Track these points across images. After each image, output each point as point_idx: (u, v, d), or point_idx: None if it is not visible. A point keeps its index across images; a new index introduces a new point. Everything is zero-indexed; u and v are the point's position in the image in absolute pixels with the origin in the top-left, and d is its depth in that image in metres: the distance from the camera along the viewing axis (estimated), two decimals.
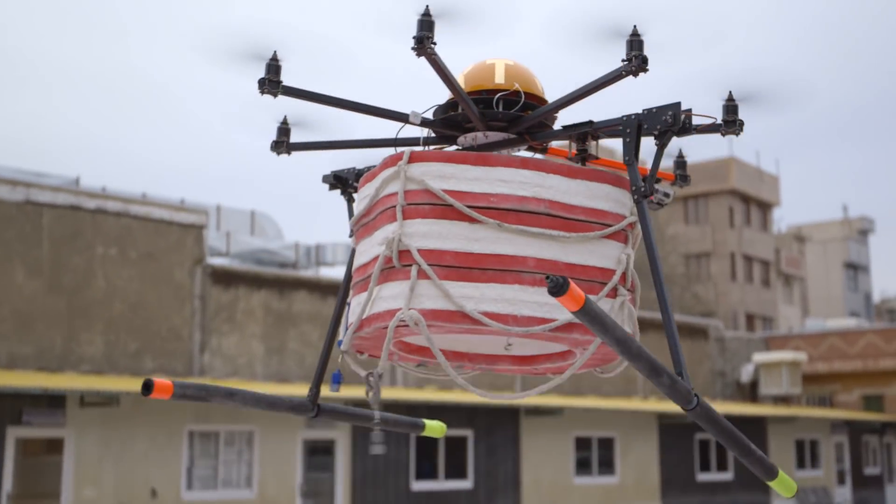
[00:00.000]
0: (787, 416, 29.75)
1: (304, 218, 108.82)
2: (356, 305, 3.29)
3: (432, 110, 3.48)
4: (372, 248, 3.25)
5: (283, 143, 3.71)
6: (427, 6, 3.07)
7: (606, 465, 25.21)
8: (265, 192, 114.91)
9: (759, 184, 56.00)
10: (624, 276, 3.24)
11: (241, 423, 18.55)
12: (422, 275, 3.03)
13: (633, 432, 25.75)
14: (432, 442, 21.43)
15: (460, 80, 3.37)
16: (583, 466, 24.59)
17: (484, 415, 22.25)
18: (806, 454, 31.60)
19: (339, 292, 3.66)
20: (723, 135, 3.36)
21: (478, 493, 21.86)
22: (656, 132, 3.17)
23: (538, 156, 3.46)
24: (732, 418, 26.91)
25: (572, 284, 2.53)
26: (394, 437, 20.57)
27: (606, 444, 25.31)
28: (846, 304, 67.65)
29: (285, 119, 3.71)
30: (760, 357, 36.65)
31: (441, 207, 3.06)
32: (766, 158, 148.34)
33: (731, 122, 3.34)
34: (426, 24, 3.07)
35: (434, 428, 4.14)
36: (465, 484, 21.76)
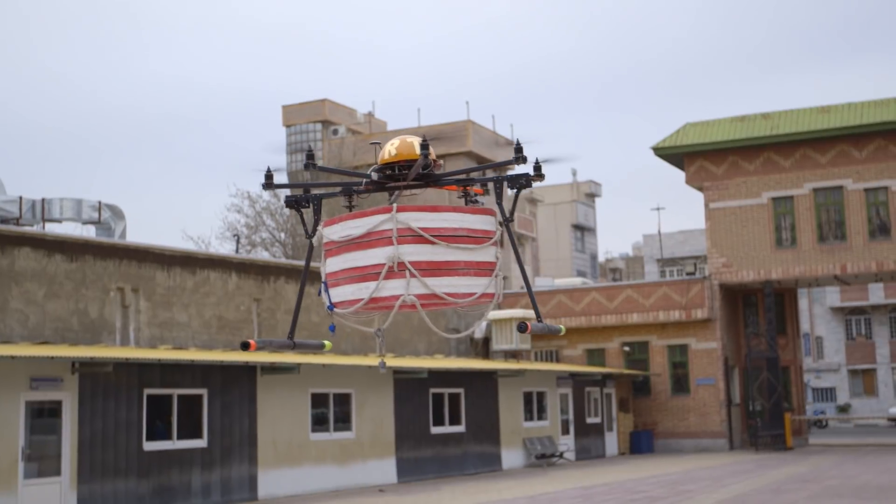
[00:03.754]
0: (516, 369, 31.01)
1: (28, 171, 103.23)
2: (355, 289, 5.39)
3: (371, 170, 5.77)
4: (373, 257, 5.32)
5: (270, 183, 5.91)
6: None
7: (343, 421, 25.50)
8: None
9: (495, 148, 57.69)
10: (496, 264, 5.58)
11: None
12: (411, 276, 5.25)
13: (369, 388, 26.15)
14: (165, 401, 21.01)
15: (393, 148, 5.70)
16: (319, 423, 24.78)
17: (219, 373, 22.01)
18: (534, 406, 33.08)
19: (305, 262, 5.90)
20: (536, 180, 5.66)
21: (213, 452, 21.64)
22: (514, 186, 5.69)
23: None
24: (465, 372, 27.81)
25: (528, 325, 5.51)
26: (124, 398, 20.03)
27: (343, 400, 25.60)
28: (574, 263, 70.94)
29: (269, 169, 5.93)
30: (492, 314, 38.00)
31: (416, 237, 5.27)
32: (501, 123, 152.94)
33: (538, 171, 5.69)
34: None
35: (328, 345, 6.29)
36: (200, 443, 21.48)
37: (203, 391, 21.76)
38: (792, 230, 37.86)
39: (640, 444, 38.02)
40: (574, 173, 76.52)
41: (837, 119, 37.42)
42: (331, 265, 5.50)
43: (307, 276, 5.83)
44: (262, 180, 5.91)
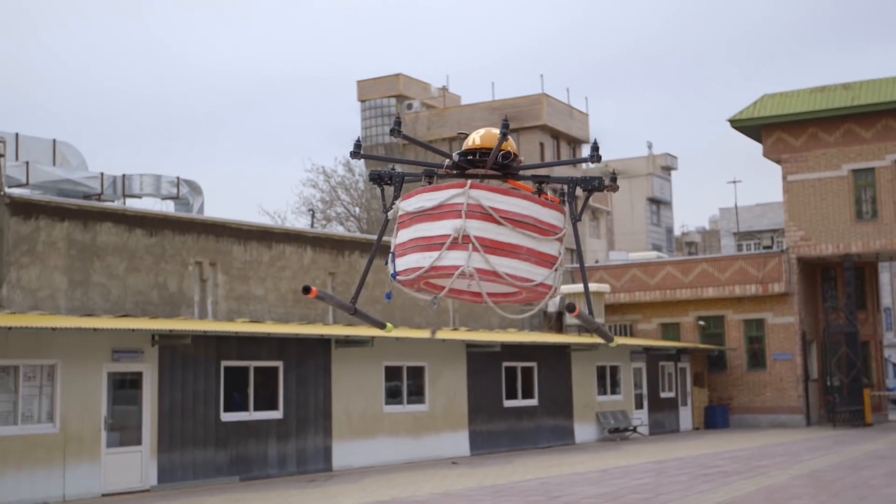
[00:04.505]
0: (589, 343, 30.98)
1: (109, 148, 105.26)
2: (419, 258, 5.44)
3: (455, 154, 5.84)
4: (441, 228, 5.39)
5: (357, 153, 6.08)
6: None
7: (416, 394, 25.76)
8: (67, 122, 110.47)
9: (570, 120, 57.38)
10: (557, 259, 5.57)
11: (43, 358, 18.09)
12: (474, 249, 5.27)
13: (442, 361, 26.36)
14: (242, 373, 21.42)
15: (478, 137, 5.77)
16: (393, 395, 25.06)
17: (294, 346, 22.37)
18: (607, 380, 33.05)
19: (378, 235, 5.91)
20: (609, 191, 5.69)
21: (288, 423, 22.03)
22: (587, 188, 5.67)
23: (523, 190, 5.80)
24: (538, 346, 27.87)
25: (577, 307, 5.26)
26: (202, 370, 20.48)
27: (416, 373, 25.85)
28: (649, 237, 70.40)
29: (358, 139, 6.18)
30: (566, 288, 37.94)
31: (485, 215, 5.33)
32: (575, 96, 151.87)
33: (613, 180, 5.70)
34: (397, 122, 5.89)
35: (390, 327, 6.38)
36: (276, 414, 21.88)
37: (279, 363, 22.14)
38: (873, 203, 37.15)
39: (714, 419, 37.75)
40: (650, 146, 75.81)
41: None
42: (401, 236, 5.64)
43: (378, 248, 5.96)
44: (352, 148, 6.02)
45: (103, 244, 22.14)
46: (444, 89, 61.24)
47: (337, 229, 46.66)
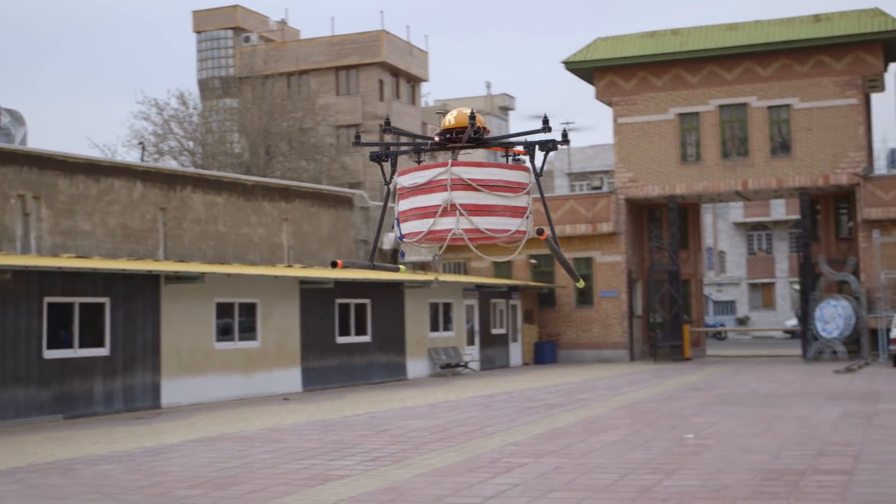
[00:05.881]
0: (422, 280, 31.37)
1: None
2: (419, 224, 6.86)
3: (436, 133, 7.16)
4: (433, 200, 6.76)
5: (358, 142, 7.47)
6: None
7: (248, 331, 25.65)
8: None
9: (410, 58, 57.33)
10: (527, 209, 6.95)
11: None
12: (460, 214, 6.65)
13: (275, 298, 26.28)
14: (67, 310, 20.90)
15: (451, 118, 7.15)
16: (224, 332, 24.89)
17: (122, 282, 21.92)
18: (439, 317, 33.56)
19: (382, 206, 7.30)
20: (560, 147, 7.13)
21: (115, 360, 21.65)
22: (543, 148, 7.00)
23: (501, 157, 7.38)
24: (372, 283, 28.05)
25: (545, 231, 6.71)
26: (24, 306, 19.89)
27: (249, 310, 25.71)
28: None
29: (358, 133, 7.53)
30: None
31: (466, 185, 6.69)
32: (416, 34, 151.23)
33: (565, 138, 7.05)
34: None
35: (403, 270, 7.96)
36: (102, 351, 21.47)
37: (105, 300, 21.68)
38: (697, 146, 38.57)
39: (543, 354, 38.88)
40: (489, 86, 76.48)
41: (744, 37, 37.96)
42: (402, 206, 7.09)
43: (384, 214, 7.47)
44: (353, 139, 7.52)
45: None
46: (283, 23, 60.26)
47: (170, 164, 45.62)
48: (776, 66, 37.64)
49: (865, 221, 35.96)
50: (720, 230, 71.60)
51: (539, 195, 7.29)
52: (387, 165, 7.51)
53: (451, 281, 33.74)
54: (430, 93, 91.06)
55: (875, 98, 56.94)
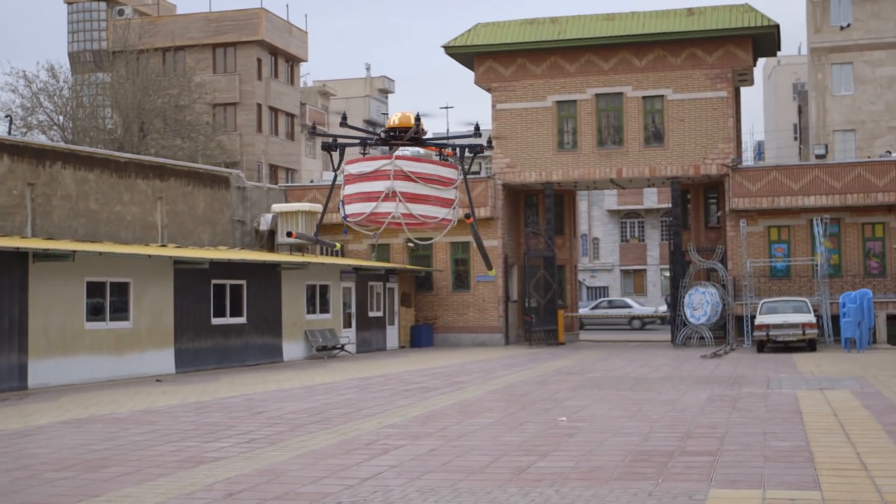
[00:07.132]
0: (300, 262, 31.17)
1: None
2: (363, 206, 9.40)
3: (382, 129, 9.70)
4: (376, 186, 8.81)
5: (314, 132, 13.01)
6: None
7: (121, 311, 25.11)
8: None
9: (289, 38, 56.76)
10: (454, 201, 9.13)
11: None
12: (399, 201, 8.87)
13: (148, 278, 25.78)
14: None
15: (396, 118, 9.87)
16: (95, 312, 24.31)
17: None
18: (316, 299, 33.41)
19: (330, 187, 9.82)
20: (485, 151, 10.13)
21: None
22: (472, 151, 9.63)
23: (434, 155, 9.84)
24: (248, 264, 27.81)
25: (470, 217, 10.54)
26: None
27: (121, 290, 25.17)
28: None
29: (314, 124, 11.08)
30: (279, 206, 37.91)
31: (406, 176, 8.87)
32: (295, 13, 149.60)
33: (490, 144, 10.84)
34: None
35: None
36: None
37: None
38: (574, 134, 39.16)
39: (420, 338, 39.04)
40: (368, 68, 76.21)
41: (621, 27, 38.66)
42: (347, 190, 8.33)
43: (331, 195, 8.89)
44: (310, 129, 8.63)
45: None
46: None
47: (39, 138, 44.24)
48: (651, 58, 38.45)
49: (733, 211, 37.06)
50: (595, 217, 72.93)
51: (466, 191, 8.45)
52: (335, 154, 8.94)
53: (329, 263, 33.61)
54: (309, 73, 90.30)
55: (744, 91, 58.60)
